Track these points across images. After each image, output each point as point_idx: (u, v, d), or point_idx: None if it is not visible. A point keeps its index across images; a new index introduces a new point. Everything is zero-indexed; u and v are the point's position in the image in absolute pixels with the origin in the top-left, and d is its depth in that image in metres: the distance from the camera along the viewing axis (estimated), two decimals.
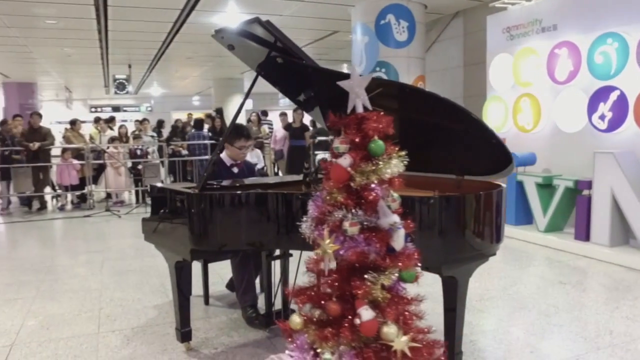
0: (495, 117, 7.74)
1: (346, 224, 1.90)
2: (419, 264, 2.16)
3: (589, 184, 6.01)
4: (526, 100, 7.19)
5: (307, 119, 10.56)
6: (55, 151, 10.75)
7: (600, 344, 3.47)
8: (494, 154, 2.96)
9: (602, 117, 6.12)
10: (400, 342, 1.88)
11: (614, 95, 5.96)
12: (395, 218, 1.95)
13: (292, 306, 3.45)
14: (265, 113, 14.61)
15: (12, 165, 9.59)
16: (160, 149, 11.30)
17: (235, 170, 4.17)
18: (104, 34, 10.29)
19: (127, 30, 10.20)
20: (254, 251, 3.85)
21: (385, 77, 8.53)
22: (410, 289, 2.17)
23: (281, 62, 3.15)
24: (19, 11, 8.56)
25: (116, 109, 26.28)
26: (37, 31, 10.23)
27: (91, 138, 11.39)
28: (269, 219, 2.99)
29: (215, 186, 3.41)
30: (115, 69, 15.05)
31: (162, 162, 11.16)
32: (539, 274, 5.32)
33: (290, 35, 10.38)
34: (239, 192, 3.20)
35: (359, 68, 8.87)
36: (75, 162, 10.06)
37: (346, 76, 2.14)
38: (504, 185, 3.05)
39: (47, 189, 10.31)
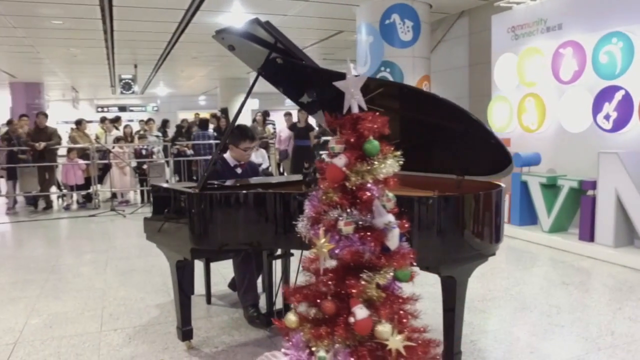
0: (500, 117, 7.72)
1: (341, 224, 1.90)
2: (415, 264, 2.17)
3: (593, 184, 5.98)
4: (531, 100, 7.16)
5: (312, 118, 10.56)
6: (61, 151, 10.81)
7: (601, 344, 3.45)
8: (494, 154, 2.96)
9: (607, 117, 6.09)
10: (395, 340, 1.88)
11: (619, 95, 5.93)
12: (390, 217, 1.95)
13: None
14: (267, 113, 14.62)
15: (18, 165, 9.66)
16: (165, 149, 11.33)
17: (239, 170, 4.19)
18: (110, 34, 10.33)
19: (132, 30, 10.24)
20: (255, 251, 3.86)
21: (390, 77, 8.53)
22: (411, 289, 2.17)
23: (281, 63, 3.16)
24: (24, 12, 8.61)
25: (122, 108, 26.34)
26: (43, 31, 10.28)
27: (97, 138, 11.45)
28: (267, 219, 3.00)
29: (215, 186, 3.42)
30: (121, 68, 15.11)
31: (167, 162, 11.20)
32: (542, 274, 5.31)
33: (295, 35, 10.41)
34: (237, 191, 3.21)
35: (363, 68, 8.87)
36: (81, 161, 10.12)
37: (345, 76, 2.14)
38: (503, 185, 3.04)
39: (53, 189, 10.36)
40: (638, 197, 5.47)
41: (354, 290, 1.87)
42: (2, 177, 10.50)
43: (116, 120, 12.73)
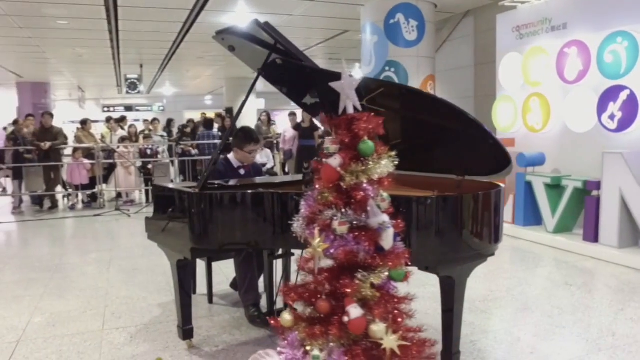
0: (504, 116, 7.70)
1: (335, 223, 1.91)
2: (410, 264, 2.16)
3: (597, 185, 5.95)
4: (535, 100, 7.13)
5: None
6: (67, 150, 10.87)
7: (602, 345, 3.44)
8: (493, 155, 2.95)
9: (611, 117, 6.06)
10: (390, 340, 1.88)
11: (623, 95, 5.90)
12: (385, 217, 1.95)
13: None
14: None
15: (24, 165, 9.71)
16: (170, 149, 11.37)
17: (242, 172, 4.21)
18: (115, 34, 10.37)
19: (137, 30, 10.28)
20: (256, 250, 3.87)
21: (394, 76, 8.52)
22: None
23: (281, 64, 3.16)
24: (30, 12, 8.66)
25: (129, 108, 26.40)
26: (49, 32, 10.34)
27: (102, 137, 11.50)
28: (265, 219, 3.01)
29: (215, 186, 3.44)
30: (127, 68, 15.16)
31: (172, 162, 11.23)
32: (546, 275, 5.29)
33: (300, 34, 10.43)
34: (235, 191, 3.22)
35: (368, 68, 8.86)
36: (86, 161, 10.16)
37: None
38: (502, 185, 3.03)
39: (58, 188, 10.42)
40: None
41: (348, 290, 1.87)
42: (8, 176, 10.57)
43: (121, 120, 12.77)
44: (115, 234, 7.83)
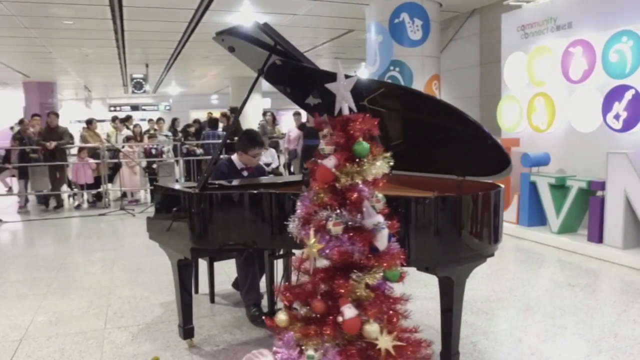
0: (509, 116, 7.67)
1: (330, 224, 1.91)
2: (408, 264, 2.16)
3: (602, 185, 5.92)
4: (540, 99, 7.10)
5: None
6: (72, 150, 10.92)
7: (603, 347, 3.42)
8: (494, 156, 2.94)
9: (617, 117, 6.03)
10: (384, 340, 1.88)
11: (629, 95, 5.86)
12: (379, 218, 1.95)
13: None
14: (267, 114, 14.65)
15: (29, 164, 9.76)
16: (175, 148, 11.39)
17: (245, 174, 4.22)
18: (120, 34, 10.41)
19: (143, 30, 10.31)
20: (256, 250, 3.88)
21: (399, 76, 8.50)
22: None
23: (280, 65, 3.17)
24: (36, 12, 8.71)
25: (135, 108, 26.47)
26: (55, 32, 10.39)
27: (108, 137, 11.54)
28: (263, 219, 3.01)
29: (216, 186, 3.44)
30: (133, 68, 15.21)
31: (176, 162, 11.26)
32: (549, 275, 5.26)
33: (305, 34, 10.44)
34: (234, 191, 3.23)
35: (373, 67, 8.85)
36: (91, 161, 10.20)
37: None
38: (502, 186, 3.02)
39: (64, 188, 10.47)
40: None
41: (342, 290, 1.87)
42: (14, 176, 10.63)
43: (127, 120, 12.81)
44: (120, 233, 7.86)
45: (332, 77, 2.26)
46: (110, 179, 10.64)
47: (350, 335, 1.89)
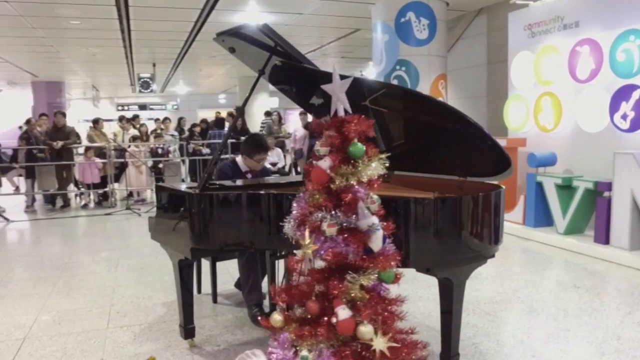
0: (516, 116, 7.62)
1: (324, 225, 1.90)
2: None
3: (608, 186, 5.86)
4: (547, 99, 7.05)
5: None
6: (79, 149, 10.97)
7: (605, 349, 3.38)
8: (494, 157, 2.92)
9: (624, 117, 5.97)
10: (379, 341, 1.87)
11: (636, 94, 5.81)
12: (374, 219, 1.94)
13: None
14: (268, 113, 14.65)
15: (36, 164, 9.82)
16: (181, 148, 11.43)
17: (249, 176, 4.22)
18: (127, 33, 10.45)
19: (149, 29, 10.34)
20: (258, 251, 3.87)
21: (405, 75, 8.47)
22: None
23: (280, 65, 3.16)
24: (43, 12, 8.75)
25: (143, 107, 26.58)
26: (62, 31, 10.44)
27: (115, 136, 11.59)
28: (262, 219, 3.01)
29: (217, 186, 3.44)
30: (140, 67, 15.26)
31: (182, 161, 11.28)
32: (554, 277, 5.22)
33: (312, 33, 10.42)
34: (235, 192, 3.23)
35: (379, 67, 8.82)
36: (98, 160, 10.25)
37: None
38: (503, 187, 3.00)
39: (71, 187, 10.52)
40: None
41: (335, 291, 1.86)
42: (21, 175, 10.70)
43: (133, 119, 12.86)
44: (126, 232, 7.89)
45: (331, 77, 2.25)
46: (117, 179, 10.69)
47: (344, 336, 1.88)
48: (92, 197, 10.64)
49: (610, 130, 6.15)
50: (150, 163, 10.75)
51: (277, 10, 9.28)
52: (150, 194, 11.41)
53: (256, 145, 4.12)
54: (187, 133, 12.50)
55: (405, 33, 8.38)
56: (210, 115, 18.40)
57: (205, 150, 11.50)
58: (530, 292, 4.60)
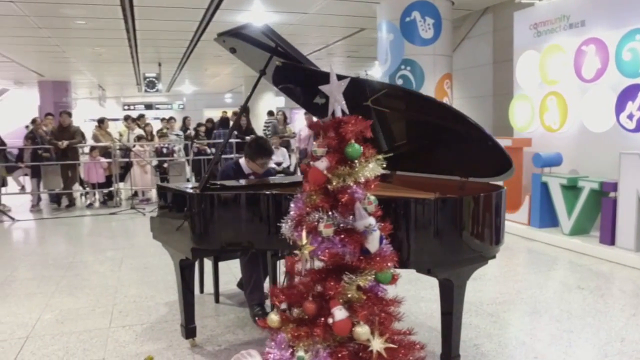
0: (521, 116, 7.58)
1: (321, 226, 1.89)
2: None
3: (614, 186, 5.82)
4: (553, 98, 7.01)
5: None
6: (84, 149, 11.01)
7: (608, 351, 3.35)
8: (496, 158, 2.90)
9: (630, 117, 5.92)
10: (376, 342, 1.86)
11: None
12: (371, 220, 1.93)
13: None
14: (271, 113, 14.63)
15: (42, 163, 9.86)
16: (186, 148, 11.44)
17: (252, 178, 4.21)
18: (132, 33, 10.46)
19: (154, 29, 10.36)
20: (259, 251, 3.87)
21: (410, 75, 8.44)
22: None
23: (281, 66, 3.16)
24: (48, 12, 8.78)
25: (149, 106, 26.64)
26: (68, 31, 10.47)
27: (120, 135, 11.62)
28: (262, 219, 3.00)
29: (218, 186, 3.44)
30: (146, 67, 15.28)
31: (187, 161, 11.30)
32: (559, 278, 5.19)
33: (317, 32, 10.41)
34: (235, 192, 3.22)
35: (384, 66, 8.80)
36: (103, 160, 10.28)
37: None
38: (504, 187, 2.98)
39: (76, 187, 10.56)
40: None
41: (331, 292, 1.86)
42: (26, 174, 10.76)
43: (139, 119, 12.88)
44: (130, 232, 7.91)
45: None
46: (122, 178, 10.71)
47: (341, 337, 1.87)
48: (97, 196, 10.67)
49: (616, 130, 6.11)
50: (155, 163, 10.76)
51: (282, 10, 9.27)
52: (155, 194, 11.44)
53: (260, 149, 4.11)
54: (193, 132, 12.51)
55: (411, 32, 8.34)
56: (216, 114, 18.43)
57: (210, 150, 11.50)
58: (534, 293, 4.57)
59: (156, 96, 22.93)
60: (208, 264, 4.63)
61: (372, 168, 1.94)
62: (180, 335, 3.68)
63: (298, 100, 3.98)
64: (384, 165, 2.02)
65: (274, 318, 2.02)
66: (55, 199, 10.42)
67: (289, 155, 11.33)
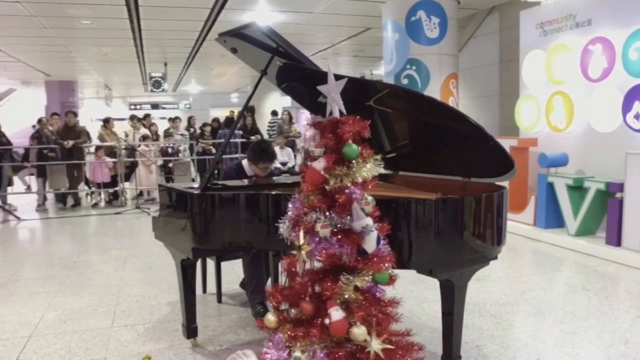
0: (527, 116, 7.54)
1: (318, 226, 1.88)
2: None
3: (620, 187, 5.77)
4: (559, 98, 6.96)
5: None
6: (90, 148, 11.05)
7: (612, 353, 3.32)
8: (498, 158, 2.88)
9: (637, 117, 5.87)
10: (373, 343, 1.85)
11: None
12: (368, 221, 1.91)
13: None
14: (274, 113, 14.60)
15: (47, 163, 9.89)
16: (191, 147, 11.45)
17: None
18: (138, 33, 10.49)
19: (160, 29, 10.38)
20: (261, 251, 3.86)
21: (415, 75, 8.40)
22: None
23: (281, 66, 3.15)
24: (54, 12, 8.82)
25: (155, 106, 26.70)
26: (73, 31, 10.51)
27: (126, 135, 11.65)
28: (260, 219, 2.99)
29: (219, 186, 3.44)
30: (152, 66, 15.31)
31: (192, 161, 11.31)
32: (563, 279, 5.15)
33: (323, 32, 10.40)
34: (236, 192, 3.22)
35: (389, 66, 8.77)
36: (108, 159, 10.30)
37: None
38: (506, 187, 2.96)
39: (81, 186, 10.59)
40: None
41: (327, 292, 1.84)
42: (32, 174, 10.81)
43: (144, 118, 12.91)
44: (135, 232, 7.93)
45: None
46: (127, 178, 10.73)
47: (337, 338, 1.86)
48: (102, 196, 10.70)
49: (622, 130, 6.06)
50: (160, 162, 10.78)
51: (287, 10, 9.26)
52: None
53: (262, 153, 4.10)
54: (198, 131, 12.52)
55: (416, 32, 8.30)
56: (223, 114, 18.45)
57: (216, 150, 11.51)
58: (538, 294, 4.54)
59: (162, 96, 22.98)
60: (211, 263, 4.62)
61: (370, 168, 1.93)
62: (181, 335, 3.67)
63: (301, 100, 3.96)
64: (387, 165, 2.01)
65: (271, 318, 2.02)
66: (61, 198, 10.46)
67: (294, 155, 11.32)
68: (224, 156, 11.03)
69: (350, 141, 1.91)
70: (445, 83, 8.53)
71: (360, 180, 1.89)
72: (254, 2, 8.70)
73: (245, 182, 4.00)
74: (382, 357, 1.85)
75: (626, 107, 5.97)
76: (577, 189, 6.36)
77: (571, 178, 6.41)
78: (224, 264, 4.53)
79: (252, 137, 11.39)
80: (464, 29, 10.39)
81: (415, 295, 4.40)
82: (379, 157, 2.00)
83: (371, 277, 1.94)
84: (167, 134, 11.29)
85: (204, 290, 4.69)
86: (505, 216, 2.87)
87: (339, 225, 1.90)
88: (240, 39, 3.25)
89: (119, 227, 8.28)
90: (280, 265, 3.80)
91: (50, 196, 10.82)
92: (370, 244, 1.90)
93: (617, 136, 6.16)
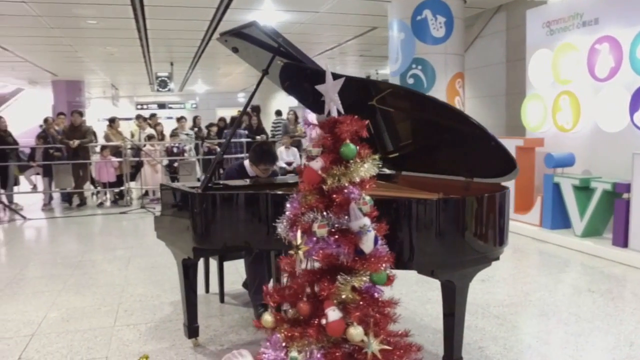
0: (534, 116, 7.48)
1: (315, 226, 1.86)
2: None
3: (627, 187, 5.71)
4: (565, 98, 6.90)
5: None
6: (96, 148, 11.09)
7: (617, 356, 3.28)
8: (500, 158, 2.86)
9: None
10: (371, 343, 1.83)
11: None
12: (366, 221, 1.90)
13: None
14: (279, 113, 14.56)
15: (53, 162, 9.93)
16: (197, 147, 11.46)
17: None
18: (144, 32, 10.51)
19: (165, 29, 10.39)
20: (262, 251, 3.85)
21: (421, 74, 8.36)
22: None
23: (283, 65, 3.14)
24: (60, 12, 8.84)
25: (162, 106, 26.76)
26: (79, 31, 10.54)
27: (132, 135, 11.68)
28: (260, 219, 2.98)
29: (221, 186, 3.43)
30: (158, 66, 15.33)
31: (198, 160, 11.32)
32: (569, 280, 5.11)
33: (328, 31, 10.38)
34: (237, 192, 3.21)
35: (395, 65, 8.74)
36: (114, 159, 10.33)
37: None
38: (508, 187, 2.93)
39: (87, 186, 10.63)
40: None
41: (324, 293, 1.83)
42: (38, 174, 10.85)
43: (150, 118, 12.93)
44: (140, 231, 7.94)
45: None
46: (133, 178, 10.76)
47: (334, 338, 1.85)
48: (108, 195, 10.73)
49: (630, 130, 6.00)
50: (165, 162, 10.79)
51: (292, 9, 9.25)
52: None
53: (263, 155, 4.08)
54: (204, 131, 12.52)
55: (422, 31, 8.26)
56: (229, 114, 18.47)
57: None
58: (543, 295, 4.50)
59: (169, 95, 23.01)
60: (214, 263, 4.62)
61: (368, 168, 1.91)
62: (183, 334, 3.67)
63: (303, 100, 3.95)
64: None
65: (268, 318, 2.01)
66: (67, 198, 10.50)
67: (300, 155, 11.31)
68: (229, 156, 11.03)
69: (347, 141, 1.89)
70: (452, 83, 8.48)
71: (357, 180, 1.88)
72: (259, 1, 8.69)
73: (247, 181, 3.98)
74: (380, 358, 1.83)
75: (633, 106, 5.91)
76: (584, 189, 6.30)
77: (578, 178, 6.35)
78: (227, 264, 4.53)
79: (258, 137, 11.38)
80: (470, 28, 10.34)
81: (418, 296, 4.37)
82: (376, 157, 1.98)
83: (369, 277, 1.92)
84: (173, 134, 11.31)
85: (207, 290, 4.69)
86: (507, 216, 2.85)
87: (336, 225, 1.89)
88: (241, 38, 3.24)
89: (124, 227, 8.30)
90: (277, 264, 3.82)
91: (56, 195, 10.86)
92: (367, 244, 1.88)
93: (624, 136, 6.10)
